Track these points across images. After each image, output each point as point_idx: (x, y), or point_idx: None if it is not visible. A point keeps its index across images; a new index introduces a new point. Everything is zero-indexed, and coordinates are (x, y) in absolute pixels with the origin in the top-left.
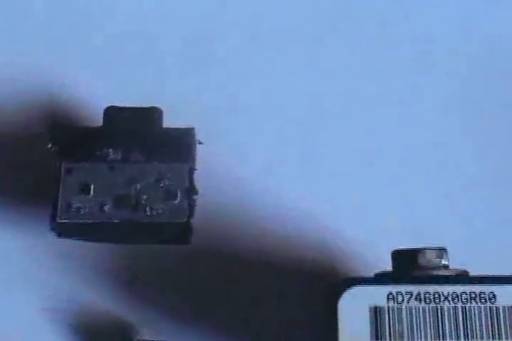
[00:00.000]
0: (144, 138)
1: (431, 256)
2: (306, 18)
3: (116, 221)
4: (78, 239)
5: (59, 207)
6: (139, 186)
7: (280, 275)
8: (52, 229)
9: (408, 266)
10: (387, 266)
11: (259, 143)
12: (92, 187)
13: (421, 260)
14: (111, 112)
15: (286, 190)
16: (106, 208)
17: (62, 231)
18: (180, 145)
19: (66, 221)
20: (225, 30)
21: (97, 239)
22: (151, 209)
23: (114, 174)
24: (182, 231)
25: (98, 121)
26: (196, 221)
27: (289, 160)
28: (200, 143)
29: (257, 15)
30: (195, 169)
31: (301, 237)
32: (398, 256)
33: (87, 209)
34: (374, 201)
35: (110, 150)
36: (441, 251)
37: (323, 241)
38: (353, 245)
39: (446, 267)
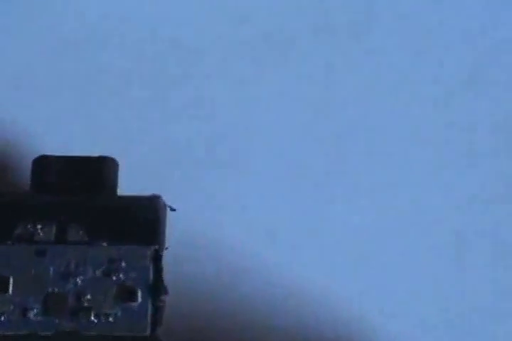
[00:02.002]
0: (89, 209)
1: None
2: None
3: (47, 333)
4: None
5: None
6: (80, 280)
7: None
8: None
9: None
10: None
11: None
12: (10, 281)
13: None
14: (42, 166)
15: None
16: (31, 314)
17: None
18: (142, 219)
19: None
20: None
21: None
22: (99, 315)
23: (44, 262)
24: None
25: (22, 180)
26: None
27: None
28: (172, 209)
29: None
30: (164, 250)
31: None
32: None
33: (3, 316)
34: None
35: (38, 227)
36: None
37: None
38: None
39: None
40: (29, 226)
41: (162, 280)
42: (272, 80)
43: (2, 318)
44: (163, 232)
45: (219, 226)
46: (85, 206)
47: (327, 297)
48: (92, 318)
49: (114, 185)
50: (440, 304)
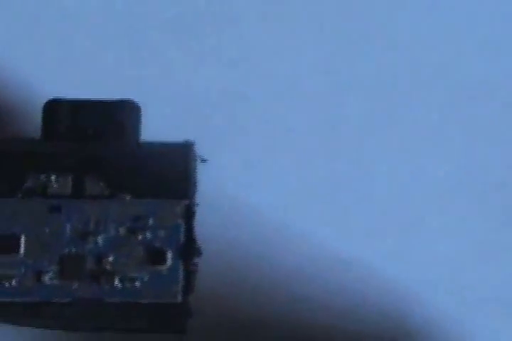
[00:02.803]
0: (109, 157)
1: None
2: None
3: (64, 300)
4: (2, 322)
5: None
6: (100, 240)
7: None
8: None
9: None
10: None
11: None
12: (21, 240)
13: None
14: (54, 110)
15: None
16: (45, 278)
17: None
18: (172, 169)
19: None
20: None
21: (33, 324)
22: (123, 280)
23: (59, 219)
24: (174, 317)
25: (32, 126)
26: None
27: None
28: (203, 160)
29: None
30: (196, 207)
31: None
32: None
33: (14, 280)
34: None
35: (52, 178)
36: None
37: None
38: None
39: None
40: (41, 178)
41: (195, 240)
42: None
43: (13, 283)
44: (196, 185)
45: (248, 185)
46: (105, 154)
47: (370, 264)
48: (116, 283)
49: (136, 132)
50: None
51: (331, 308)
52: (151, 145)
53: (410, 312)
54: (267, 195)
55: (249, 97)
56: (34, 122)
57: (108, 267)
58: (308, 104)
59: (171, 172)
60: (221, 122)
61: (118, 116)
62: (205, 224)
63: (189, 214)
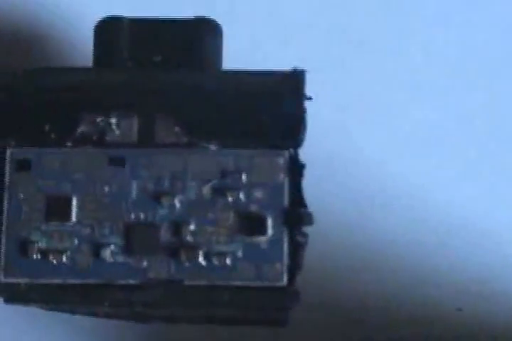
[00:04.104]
0: (186, 92)
1: None
2: None
3: (131, 282)
4: (51, 310)
5: (2, 251)
6: (178, 203)
7: None
8: None
9: None
10: None
11: None
12: (73, 204)
13: None
14: (111, 31)
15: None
16: (106, 253)
17: (12, 295)
18: (272, 108)
19: (19, 281)
20: None
21: (90, 312)
22: (209, 255)
23: (123, 175)
24: (275, 306)
25: (83, 53)
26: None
27: None
28: (308, 98)
29: None
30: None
31: None
32: None
33: (64, 256)
34: None
35: (112, 121)
36: None
37: None
38: None
39: None
40: (98, 121)
41: (304, 204)
42: None
43: (63, 259)
44: (305, 130)
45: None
46: (180, 88)
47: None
48: (200, 260)
49: (218, 58)
50: None
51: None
52: (240, 75)
53: None
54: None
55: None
56: (83, 48)
57: (188, 239)
58: None
59: (271, 112)
60: None
61: (194, 38)
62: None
63: (296, 169)
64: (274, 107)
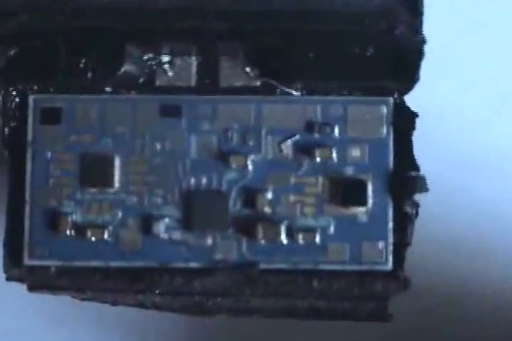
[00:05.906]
0: (263, 15)
1: None
2: None
3: (195, 265)
4: (86, 299)
5: (26, 226)
6: (251, 165)
7: None
8: (11, 277)
9: None
10: None
11: None
12: (115, 165)
13: None
14: None
15: None
16: (159, 228)
17: (39, 281)
18: (381, 37)
19: (47, 264)
20: None
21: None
22: (291, 231)
23: (178, 127)
24: (381, 294)
25: None
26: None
27: None
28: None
29: None
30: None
31: None
32: None
33: (106, 233)
34: None
35: (164, 59)
36: None
37: None
38: None
39: None
40: (145, 58)
41: (414, 165)
42: None
43: (104, 235)
44: (419, 68)
45: None
46: (253, 8)
47: None
48: (280, 238)
49: None
50: None
51: None
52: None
53: None
54: None
55: None
56: None
57: (265, 211)
58: None
59: (376, 41)
60: None
61: None
62: None
63: (403, 120)
64: (380, 34)
